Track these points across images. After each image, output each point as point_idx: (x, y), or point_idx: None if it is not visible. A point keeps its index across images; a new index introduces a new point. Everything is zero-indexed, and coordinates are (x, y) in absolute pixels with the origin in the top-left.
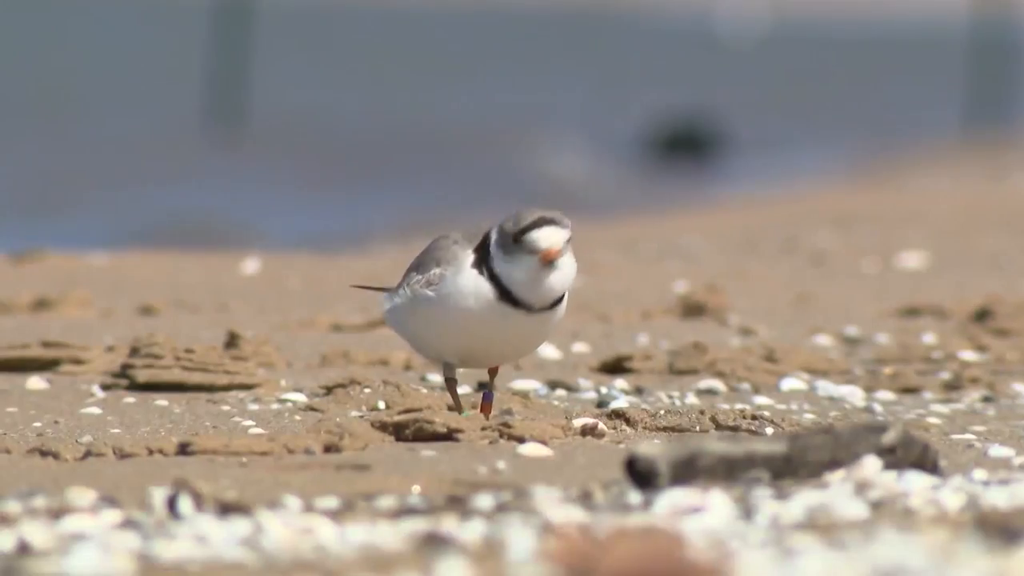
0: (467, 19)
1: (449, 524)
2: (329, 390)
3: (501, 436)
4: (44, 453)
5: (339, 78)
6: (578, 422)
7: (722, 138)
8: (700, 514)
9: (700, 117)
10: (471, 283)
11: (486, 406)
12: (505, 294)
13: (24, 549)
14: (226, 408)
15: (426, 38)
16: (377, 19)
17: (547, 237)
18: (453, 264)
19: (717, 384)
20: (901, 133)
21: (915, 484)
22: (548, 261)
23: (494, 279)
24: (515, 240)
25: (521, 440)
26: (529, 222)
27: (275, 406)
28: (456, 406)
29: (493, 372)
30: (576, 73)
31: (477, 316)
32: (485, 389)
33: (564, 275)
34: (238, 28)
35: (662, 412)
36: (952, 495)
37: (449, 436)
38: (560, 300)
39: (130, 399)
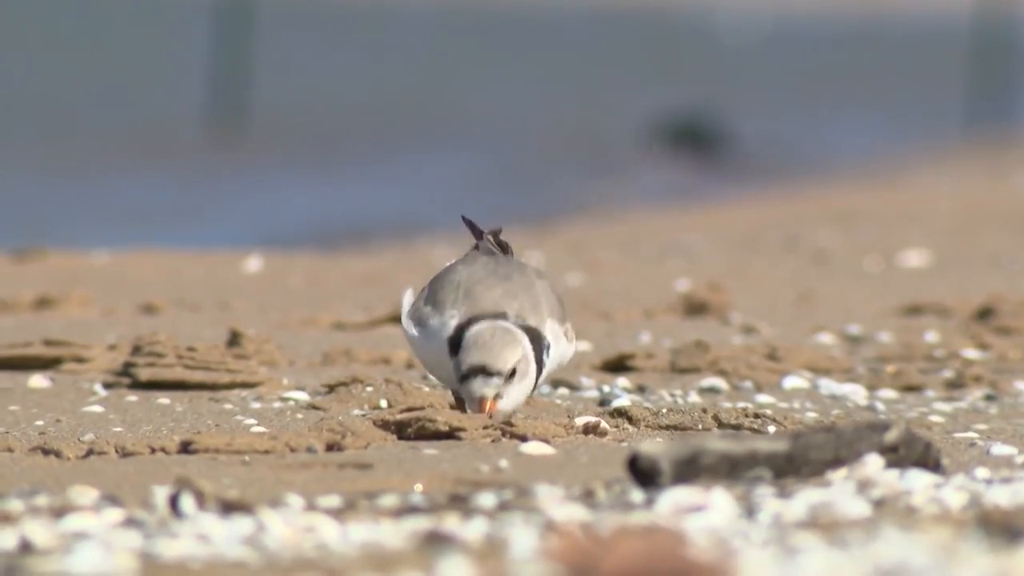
0: (469, 19)
1: (451, 523)
2: (331, 388)
3: (503, 435)
4: (46, 451)
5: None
6: (580, 420)
7: (724, 135)
8: (702, 513)
9: (702, 114)
10: (442, 354)
11: None
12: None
13: (26, 548)
14: (228, 406)
15: (427, 37)
16: (379, 19)
17: (479, 389)
18: (439, 317)
19: (719, 382)
20: (902, 131)
21: (917, 482)
22: (482, 412)
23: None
24: (460, 379)
25: (523, 439)
26: (464, 370)
27: (277, 404)
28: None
29: None
30: (578, 73)
31: (447, 379)
32: None
33: (512, 404)
34: (239, 25)
35: (664, 410)
36: (954, 493)
37: (451, 435)
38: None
39: (132, 397)
